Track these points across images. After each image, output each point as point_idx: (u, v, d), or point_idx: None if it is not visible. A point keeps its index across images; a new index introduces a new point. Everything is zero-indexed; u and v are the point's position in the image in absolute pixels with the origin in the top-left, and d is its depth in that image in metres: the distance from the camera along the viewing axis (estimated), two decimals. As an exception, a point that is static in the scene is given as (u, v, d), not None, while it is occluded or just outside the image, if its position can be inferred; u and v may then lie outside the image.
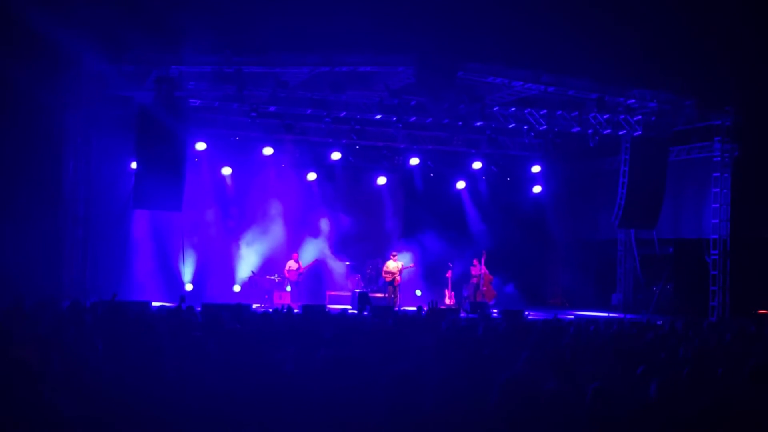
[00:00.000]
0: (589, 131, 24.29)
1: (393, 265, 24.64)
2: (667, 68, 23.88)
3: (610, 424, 5.18)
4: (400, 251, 25.52)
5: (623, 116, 24.25)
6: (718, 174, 24.32)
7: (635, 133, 24.53)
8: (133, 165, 21.21)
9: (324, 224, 26.91)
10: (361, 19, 23.89)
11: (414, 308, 20.27)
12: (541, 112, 24.11)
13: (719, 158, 24.32)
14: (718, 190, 24.32)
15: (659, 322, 16.19)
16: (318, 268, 26.04)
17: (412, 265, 25.36)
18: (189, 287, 24.17)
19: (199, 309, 14.96)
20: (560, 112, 24.11)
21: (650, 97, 23.65)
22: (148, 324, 10.59)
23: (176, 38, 20.30)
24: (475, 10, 24.87)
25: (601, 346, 10.18)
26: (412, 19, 23.82)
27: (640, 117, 24.48)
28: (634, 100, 23.74)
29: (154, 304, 18.75)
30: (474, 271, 25.88)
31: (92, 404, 5.14)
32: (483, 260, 25.93)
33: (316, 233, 26.71)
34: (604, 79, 23.14)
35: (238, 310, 14.71)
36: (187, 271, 24.43)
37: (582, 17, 24.43)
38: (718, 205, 24.28)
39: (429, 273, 26.90)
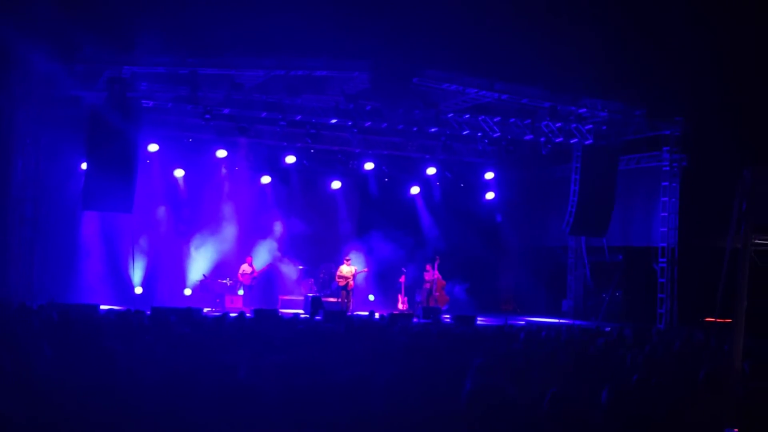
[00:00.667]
0: (542, 139, 24.54)
1: (346, 269, 24.61)
2: (618, 78, 24.22)
3: (568, 429, 5.22)
4: (352, 255, 25.48)
5: (575, 125, 24.53)
6: (667, 183, 24.68)
7: (586, 142, 24.84)
8: (84, 166, 20.92)
9: (277, 228, 26.80)
10: (318, 24, 23.87)
11: (367, 313, 20.30)
12: (495, 120, 24.30)
13: (668, 168, 24.69)
14: (666, 199, 24.68)
15: (607, 329, 16.41)
16: (271, 272, 25.91)
17: (365, 269, 25.36)
18: (139, 290, 23.89)
19: (149, 313, 14.81)
20: (514, 119, 24.32)
21: (601, 107, 23.95)
22: (95, 328, 10.47)
23: (129, 39, 20.08)
24: (431, 17, 25.01)
25: (552, 353, 10.27)
26: (369, 24, 23.86)
27: (591, 126, 24.80)
28: (585, 110, 24.02)
29: (103, 307, 18.50)
30: (427, 276, 25.95)
31: (40, 409, 5.05)
32: (436, 265, 26.03)
33: (269, 237, 26.58)
34: (557, 88, 23.39)
35: (189, 314, 14.56)
36: (137, 274, 24.13)
37: (536, 27, 24.70)
38: (666, 214, 24.65)
39: (382, 278, 26.92)
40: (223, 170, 25.88)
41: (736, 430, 6.14)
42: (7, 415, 4.78)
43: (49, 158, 21.30)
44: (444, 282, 26.13)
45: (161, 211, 25.11)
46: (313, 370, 5.13)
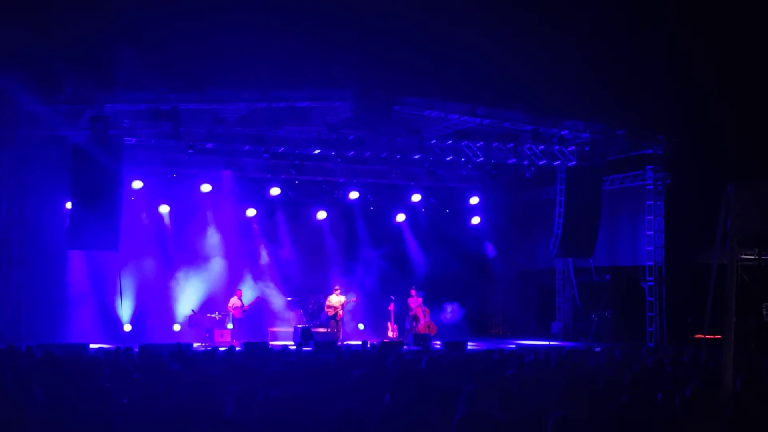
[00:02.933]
0: (525, 162, 24.64)
1: (335, 299, 24.56)
2: (599, 100, 24.42)
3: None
4: (342, 285, 25.44)
5: (557, 147, 24.65)
6: (652, 202, 24.82)
7: (569, 164, 24.98)
8: (68, 205, 20.86)
9: (264, 260, 26.76)
10: (298, 55, 24.04)
11: (358, 342, 20.25)
12: (478, 144, 24.42)
13: (652, 186, 24.84)
14: (651, 217, 24.81)
15: (597, 350, 16.41)
16: (259, 304, 25.82)
17: (353, 298, 25.29)
18: (128, 328, 23.76)
19: (138, 350, 14.73)
20: (496, 144, 24.43)
21: (583, 128, 24.11)
22: (85, 368, 10.40)
23: (110, 76, 20.15)
24: (410, 45, 25.21)
25: (544, 376, 10.27)
26: (349, 54, 24.04)
27: (573, 147, 24.95)
28: (567, 131, 24.16)
29: (93, 346, 18.38)
30: (411, 302, 25.87)
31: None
32: (419, 293, 25.95)
33: (256, 269, 26.53)
34: (538, 111, 23.55)
35: (178, 349, 14.47)
36: (126, 312, 24.00)
37: (516, 51, 24.92)
38: (652, 232, 24.76)
39: (371, 306, 26.87)
40: (208, 212, 25.82)
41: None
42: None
43: (33, 198, 21.24)
44: (428, 309, 26.00)
45: (148, 248, 25.01)
46: (304, 404, 5.10)
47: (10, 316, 20.27)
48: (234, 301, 24.41)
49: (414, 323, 25.69)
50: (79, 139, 20.38)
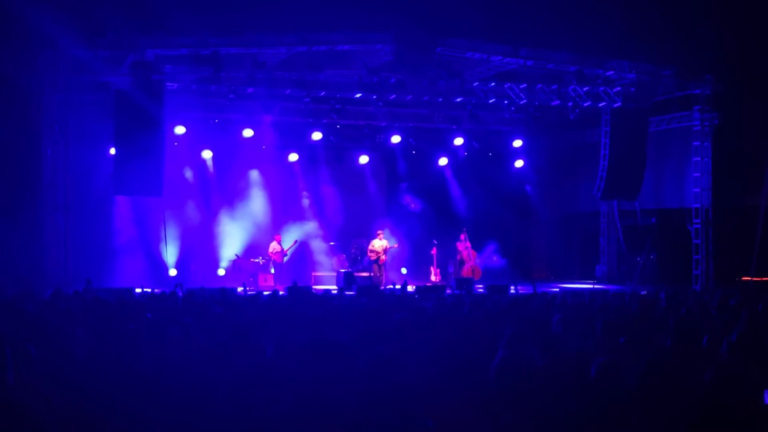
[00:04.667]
0: (569, 104, 24.29)
1: (378, 243, 24.58)
2: (645, 39, 23.89)
3: (616, 399, 5.13)
4: (385, 230, 25.44)
5: (602, 88, 24.22)
6: (699, 143, 24.38)
7: (615, 105, 24.54)
8: (112, 151, 21.03)
9: (307, 205, 26.84)
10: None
11: (399, 286, 20.30)
12: (521, 87, 24.07)
13: (699, 127, 24.37)
14: (698, 159, 24.39)
15: (643, 293, 16.28)
16: (302, 248, 25.96)
17: (396, 244, 25.25)
18: (173, 272, 24.06)
19: (182, 294, 14.89)
20: (540, 85, 24.06)
21: (629, 68, 23.65)
22: (130, 310, 10.55)
23: (151, 21, 20.14)
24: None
25: (587, 319, 10.19)
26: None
27: (619, 89, 24.47)
28: (612, 72, 23.73)
29: (138, 290, 18.64)
30: (460, 246, 25.85)
31: (72, 396, 5.09)
32: (467, 236, 25.92)
33: (299, 214, 26.65)
34: (583, 52, 23.14)
35: (222, 294, 14.63)
36: (171, 257, 24.30)
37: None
38: (699, 174, 24.36)
39: (414, 250, 26.87)
40: (251, 157, 25.84)
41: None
42: (46, 397, 4.83)
43: (77, 144, 21.43)
44: (475, 252, 26.00)
45: (191, 193, 25.22)
46: (341, 349, 5.10)
47: (57, 261, 20.62)
48: (274, 246, 24.56)
49: (459, 267, 25.68)
50: (122, 85, 20.44)
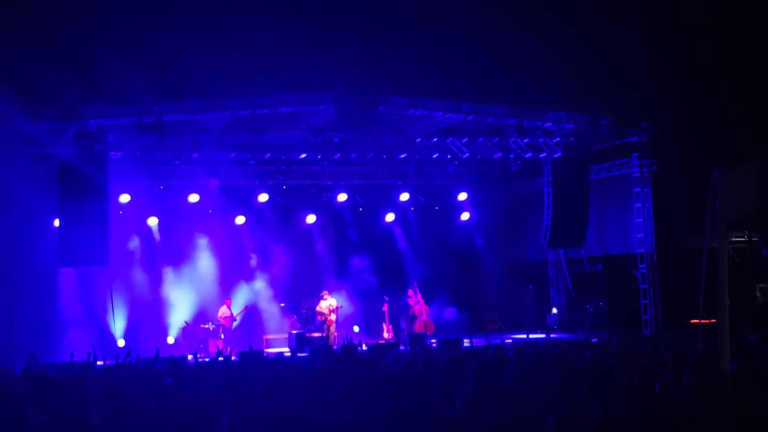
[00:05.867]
0: (511, 156, 24.65)
1: (325, 304, 24.47)
2: (581, 90, 24.45)
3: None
4: (333, 289, 25.35)
5: (542, 139, 24.63)
6: (639, 189, 24.80)
7: (555, 155, 24.98)
8: (56, 222, 20.74)
9: (255, 267, 26.66)
10: (279, 60, 23.99)
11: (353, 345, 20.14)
12: (463, 141, 24.39)
13: (639, 174, 24.82)
14: (640, 204, 24.79)
15: (594, 340, 16.41)
16: (252, 311, 25.72)
17: (340, 305, 25.05)
18: (121, 343, 23.62)
19: (132, 364, 14.60)
20: (481, 139, 24.37)
21: (566, 119, 24.09)
22: (77, 385, 10.31)
23: (93, 91, 20.08)
24: (391, 45, 25.20)
25: (542, 370, 10.25)
26: (330, 57, 24.02)
27: (558, 139, 24.95)
28: (551, 123, 24.15)
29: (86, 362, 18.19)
30: (410, 301, 25.85)
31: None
32: (417, 290, 25.94)
33: (248, 277, 26.43)
34: (521, 105, 23.56)
35: (172, 363, 14.38)
36: (119, 327, 23.87)
37: (494, 47, 24.94)
38: (641, 220, 24.74)
39: (365, 307, 26.80)
40: (197, 222, 25.66)
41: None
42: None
43: (21, 217, 21.09)
44: (427, 307, 26.02)
45: (138, 261, 24.92)
46: (299, 419, 5.05)
47: (3, 337, 20.12)
48: (223, 311, 24.30)
49: (411, 322, 25.62)
50: (65, 156, 20.28)
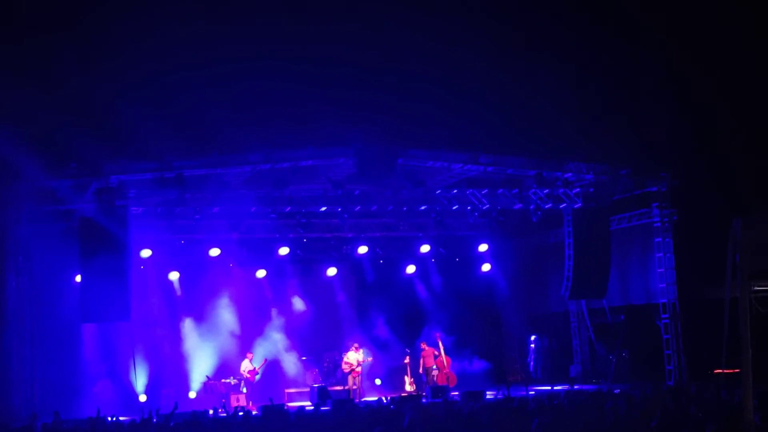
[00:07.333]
0: (531, 207, 24.63)
1: (353, 356, 24.40)
2: (600, 140, 24.52)
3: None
4: (357, 341, 25.27)
5: (562, 190, 24.63)
6: (660, 239, 24.66)
7: (575, 206, 24.95)
8: (78, 278, 20.89)
9: (276, 321, 26.65)
10: (299, 114, 24.30)
11: (375, 398, 20.05)
12: (483, 192, 24.45)
13: (659, 224, 24.71)
14: (661, 254, 24.62)
15: (617, 391, 16.25)
16: (274, 365, 25.65)
17: (370, 358, 25.02)
18: (143, 398, 23.60)
19: (155, 420, 14.62)
20: (501, 190, 24.43)
21: (586, 170, 24.10)
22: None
23: (114, 147, 20.37)
24: (410, 98, 25.48)
25: (566, 423, 10.17)
26: (350, 110, 24.30)
27: (578, 189, 24.93)
28: (570, 174, 24.15)
29: (109, 419, 18.21)
30: (424, 354, 25.65)
31: None
32: (440, 342, 25.78)
33: (269, 330, 26.39)
34: (540, 156, 23.64)
35: (194, 418, 14.37)
36: (140, 382, 23.87)
37: (514, 97, 25.15)
38: (663, 270, 24.55)
39: (387, 361, 26.69)
40: (218, 276, 25.73)
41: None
42: None
43: (43, 274, 21.29)
44: (449, 359, 25.85)
45: (159, 316, 24.98)
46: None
47: (24, 394, 20.16)
48: (245, 365, 24.26)
49: (433, 375, 25.39)
50: (86, 212, 20.49)
